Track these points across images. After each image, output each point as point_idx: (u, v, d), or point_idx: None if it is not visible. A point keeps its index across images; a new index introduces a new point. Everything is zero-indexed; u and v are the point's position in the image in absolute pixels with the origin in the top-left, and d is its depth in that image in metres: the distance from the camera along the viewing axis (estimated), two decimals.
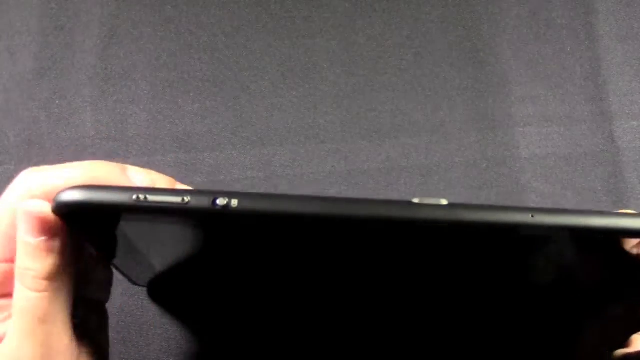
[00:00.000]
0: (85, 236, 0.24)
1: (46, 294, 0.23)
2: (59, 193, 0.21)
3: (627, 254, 0.26)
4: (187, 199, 0.21)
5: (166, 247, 0.28)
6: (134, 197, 0.21)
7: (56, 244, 0.23)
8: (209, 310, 0.36)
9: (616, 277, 0.30)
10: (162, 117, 0.40)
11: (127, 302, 0.36)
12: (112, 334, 0.35)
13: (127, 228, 0.24)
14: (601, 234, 0.22)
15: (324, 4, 0.43)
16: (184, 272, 0.32)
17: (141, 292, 0.36)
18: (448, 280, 0.30)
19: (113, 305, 0.35)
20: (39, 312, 0.23)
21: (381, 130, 0.40)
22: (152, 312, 0.35)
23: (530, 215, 0.21)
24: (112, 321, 0.35)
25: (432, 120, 0.40)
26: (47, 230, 0.22)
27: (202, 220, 0.22)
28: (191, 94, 0.40)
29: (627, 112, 0.41)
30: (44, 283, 0.23)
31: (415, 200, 0.21)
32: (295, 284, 0.34)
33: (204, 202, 0.21)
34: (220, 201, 0.21)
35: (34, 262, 0.22)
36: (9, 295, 0.23)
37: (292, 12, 0.43)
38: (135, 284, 0.34)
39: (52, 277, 0.23)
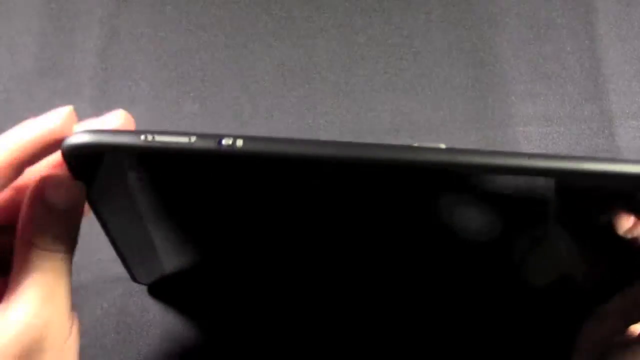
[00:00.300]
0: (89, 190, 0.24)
1: (66, 255, 0.23)
2: (67, 137, 0.21)
3: (621, 240, 0.26)
4: (193, 139, 0.21)
5: (167, 211, 0.28)
6: (142, 137, 0.21)
7: (79, 208, 0.24)
8: (210, 309, 0.36)
9: (611, 265, 0.30)
10: (162, 117, 0.40)
11: (127, 302, 0.36)
12: (112, 334, 0.35)
13: (130, 182, 0.24)
14: (596, 178, 0.22)
15: (324, 4, 0.43)
16: (185, 245, 0.32)
17: (141, 292, 0.36)
18: (443, 232, 0.30)
19: (113, 306, 0.36)
20: (59, 273, 0.23)
21: (381, 130, 0.40)
22: (152, 312, 0.35)
23: (527, 157, 0.22)
24: (112, 321, 0.35)
25: (432, 120, 0.40)
26: (73, 195, 0.23)
27: (207, 163, 0.22)
28: (191, 94, 0.40)
29: (627, 111, 0.41)
30: (66, 245, 0.23)
31: (415, 144, 0.22)
32: (296, 244, 0.33)
33: (209, 142, 0.21)
34: (226, 141, 0.21)
35: (58, 226, 0.23)
36: None
37: (292, 12, 0.43)
38: (136, 280, 0.34)
39: (73, 238, 0.24)
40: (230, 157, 0.21)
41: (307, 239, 0.31)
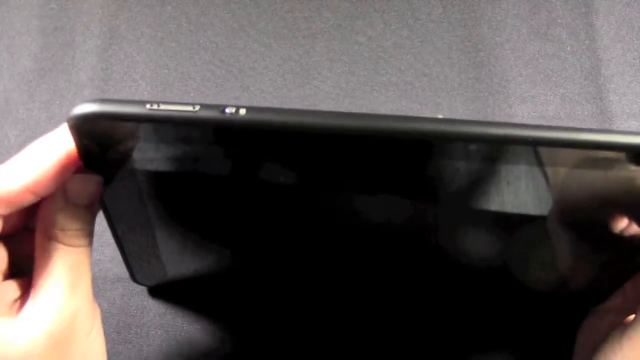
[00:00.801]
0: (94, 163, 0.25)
1: (87, 247, 0.24)
2: (73, 108, 0.22)
3: (618, 238, 0.26)
4: (197, 107, 0.21)
5: (171, 201, 0.28)
6: (148, 106, 0.21)
7: (97, 203, 0.25)
8: (210, 309, 0.36)
9: (609, 263, 0.30)
10: None
11: (127, 302, 0.36)
12: (112, 334, 0.35)
13: (135, 167, 0.24)
14: (592, 148, 0.22)
15: (324, 4, 0.43)
16: (188, 242, 0.32)
17: (142, 293, 0.36)
18: (444, 228, 0.30)
19: (113, 306, 0.36)
20: (82, 266, 0.24)
21: None
22: (152, 313, 0.35)
23: (523, 128, 0.22)
24: (112, 321, 0.35)
25: None
26: (93, 190, 0.24)
27: (211, 135, 0.22)
28: (191, 94, 0.41)
29: (627, 111, 0.41)
30: (88, 239, 0.24)
31: (413, 115, 0.22)
32: (298, 232, 0.33)
33: (213, 110, 0.21)
34: (229, 109, 0.21)
35: (79, 221, 0.24)
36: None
37: (292, 12, 0.43)
38: (136, 281, 0.34)
39: (91, 231, 0.25)
40: (233, 125, 0.21)
41: (309, 224, 0.31)
